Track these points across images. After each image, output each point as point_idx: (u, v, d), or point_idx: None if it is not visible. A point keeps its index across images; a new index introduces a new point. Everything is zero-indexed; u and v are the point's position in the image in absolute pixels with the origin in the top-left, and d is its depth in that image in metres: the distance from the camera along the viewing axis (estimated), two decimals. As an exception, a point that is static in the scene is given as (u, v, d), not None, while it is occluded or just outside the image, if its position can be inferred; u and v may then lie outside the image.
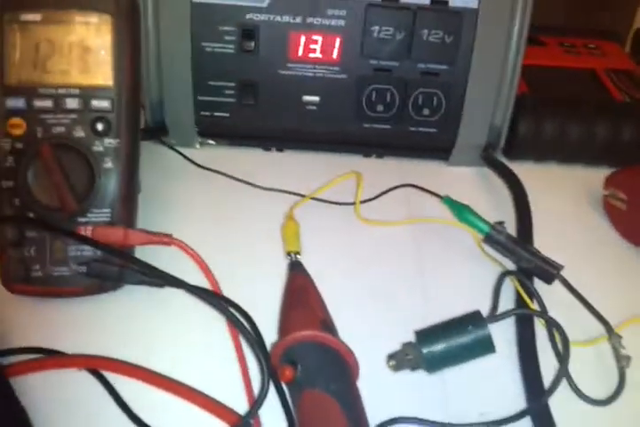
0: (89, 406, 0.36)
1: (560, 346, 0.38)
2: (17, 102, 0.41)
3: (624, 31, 0.77)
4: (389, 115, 0.54)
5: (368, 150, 0.57)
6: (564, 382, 0.36)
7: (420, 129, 0.55)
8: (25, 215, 0.41)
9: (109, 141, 0.41)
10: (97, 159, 0.41)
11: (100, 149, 0.41)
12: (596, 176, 0.53)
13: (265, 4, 0.51)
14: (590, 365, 0.39)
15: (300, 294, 0.40)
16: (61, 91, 0.41)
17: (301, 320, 0.37)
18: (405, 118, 0.54)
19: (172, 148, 0.56)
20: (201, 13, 0.51)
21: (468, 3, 0.51)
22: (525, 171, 0.52)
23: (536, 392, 0.36)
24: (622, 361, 0.38)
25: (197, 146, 0.57)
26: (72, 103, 0.41)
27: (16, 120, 0.41)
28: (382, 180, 0.53)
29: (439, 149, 0.56)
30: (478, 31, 0.51)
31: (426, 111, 0.54)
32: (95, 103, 0.41)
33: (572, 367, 0.37)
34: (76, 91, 0.41)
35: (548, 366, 0.38)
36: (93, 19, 0.42)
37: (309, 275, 0.42)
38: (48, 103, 0.41)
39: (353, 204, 0.50)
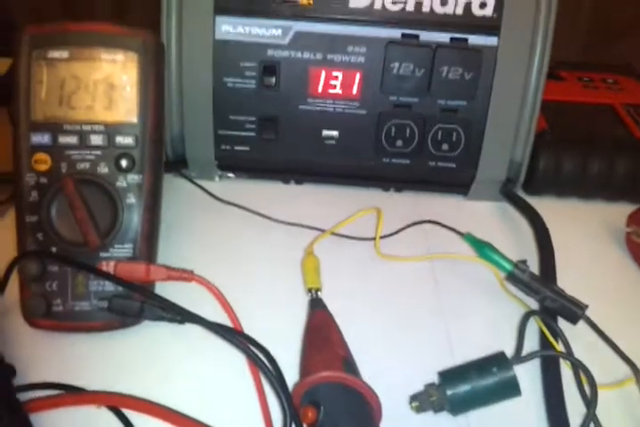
0: (108, 445, 0.35)
1: (587, 389, 0.37)
2: (42, 138, 0.42)
3: (640, 64, 0.77)
4: (408, 150, 0.54)
5: (387, 185, 0.57)
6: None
7: (440, 164, 0.55)
8: (47, 250, 0.41)
9: (133, 177, 0.42)
10: (120, 195, 0.41)
11: (124, 184, 0.42)
12: (618, 212, 0.53)
13: (286, 42, 0.52)
14: (617, 408, 0.38)
15: (321, 332, 0.39)
16: (86, 127, 0.42)
17: (323, 360, 0.36)
18: (424, 153, 0.54)
19: (191, 181, 0.56)
20: (223, 50, 0.52)
21: (488, 40, 0.51)
22: (545, 206, 0.52)
23: (563, 437, 0.35)
24: (650, 405, 0.37)
25: (217, 179, 0.57)
26: (97, 140, 0.42)
27: (41, 155, 0.41)
28: (401, 214, 0.53)
29: (458, 184, 0.56)
30: (498, 68, 0.52)
31: (445, 146, 0.54)
32: (119, 140, 0.42)
33: (599, 410, 0.36)
34: (101, 127, 0.42)
35: (574, 407, 0.37)
36: (119, 56, 0.42)
37: (330, 312, 0.42)
38: (73, 139, 0.42)
39: (372, 239, 0.50)
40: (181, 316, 0.40)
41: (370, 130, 0.54)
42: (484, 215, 0.55)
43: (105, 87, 0.42)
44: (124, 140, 0.42)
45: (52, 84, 0.42)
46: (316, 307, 0.42)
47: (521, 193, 0.56)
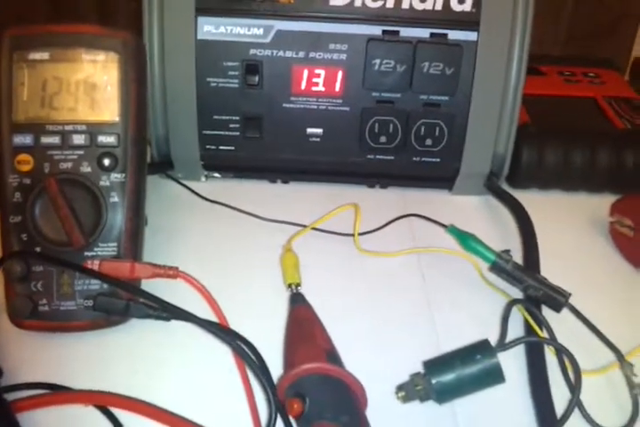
0: (96, 443, 0.35)
1: (571, 375, 0.38)
2: (25, 139, 0.42)
3: (623, 59, 0.78)
4: (392, 146, 0.55)
5: (372, 181, 0.57)
6: (576, 412, 0.36)
7: (423, 159, 0.55)
8: (32, 250, 0.41)
9: (116, 176, 0.42)
10: (103, 194, 0.42)
11: (107, 183, 0.42)
12: (601, 203, 0.54)
13: (268, 40, 0.52)
14: (602, 393, 0.39)
15: (303, 326, 0.39)
16: (68, 127, 0.42)
17: (306, 353, 0.36)
18: (408, 149, 0.55)
19: (178, 181, 0.56)
20: (205, 50, 0.52)
21: (468, 35, 0.52)
22: (529, 199, 0.53)
23: (548, 422, 0.35)
24: (635, 389, 0.37)
25: (203, 179, 0.57)
26: (79, 139, 0.42)
27: (24, 156, 0.42)
28: (386, 210, 0.54)
29: (443, 178, 0.56)
30: (478, 63, 0.52)
31: (428, 141, 0.54)
32: (102, 139, 0.42)
33: (584, 396, 0.37)
34: (83, 127, 0.42)
35: (559, 394, 0.37)
36: (100, 57, 0.43)
37: (311, 306, 0.42)
38: (55, 139, 0.42)
39: (358, 234, 0.50)
40: (168, 313, 0.40)
41: (353, 127, 0.54)
42: (470, 209, 0.56)
43: (86, 87, 0.42)
44: (107, 139, 0.42)
45: (34, 86, 0.42)
46: (297, 302, 0.42)
47: (505, 186, 0.56)
